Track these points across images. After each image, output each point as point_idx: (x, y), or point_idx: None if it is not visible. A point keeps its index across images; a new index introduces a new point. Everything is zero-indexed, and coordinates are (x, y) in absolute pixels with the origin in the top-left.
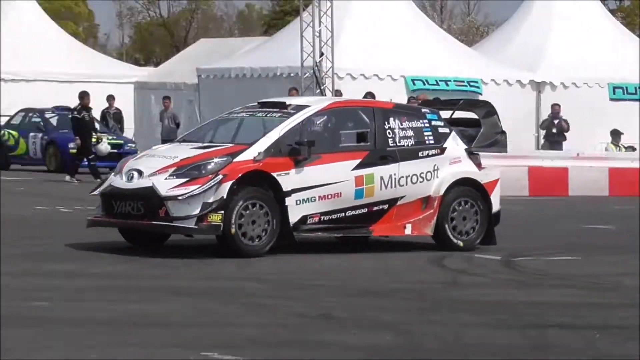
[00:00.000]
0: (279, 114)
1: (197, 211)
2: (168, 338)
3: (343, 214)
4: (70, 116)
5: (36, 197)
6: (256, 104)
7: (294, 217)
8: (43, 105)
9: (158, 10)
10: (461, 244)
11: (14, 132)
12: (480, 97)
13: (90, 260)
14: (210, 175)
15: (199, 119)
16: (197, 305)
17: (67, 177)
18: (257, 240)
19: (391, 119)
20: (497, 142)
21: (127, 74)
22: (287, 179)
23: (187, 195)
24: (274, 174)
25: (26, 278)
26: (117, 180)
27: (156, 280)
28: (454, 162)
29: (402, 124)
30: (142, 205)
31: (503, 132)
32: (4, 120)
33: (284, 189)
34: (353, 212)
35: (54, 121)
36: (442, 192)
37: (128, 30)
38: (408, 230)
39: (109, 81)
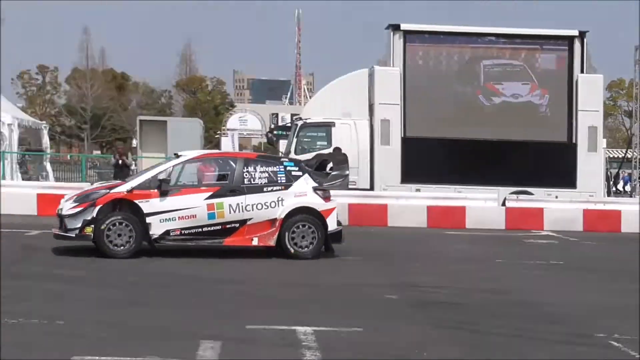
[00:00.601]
0: (167, 161)
1: (79, 225)
2: None
3: (200, 229)
4: None
5: None
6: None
7: (158, 231)
8: None
9: None
10: (298, 254)
11: None
12: None
13: None
14: (91, 201)
15: None
16: None
17: None
18: (122, 247)
19: (251, 165)
20: (341, 183)
21: None
22: (149, 205)
23: (73, 213)
24: (137, 201)
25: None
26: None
27: None
28: (298, 196)
29: (260, 168)
30: (59, 221)
31: (347, 176)
32: None
33: (145, 212)
34: (209, 228)
35: None
36: (282, 216)
37: None
38: (255, 242)
39: None
